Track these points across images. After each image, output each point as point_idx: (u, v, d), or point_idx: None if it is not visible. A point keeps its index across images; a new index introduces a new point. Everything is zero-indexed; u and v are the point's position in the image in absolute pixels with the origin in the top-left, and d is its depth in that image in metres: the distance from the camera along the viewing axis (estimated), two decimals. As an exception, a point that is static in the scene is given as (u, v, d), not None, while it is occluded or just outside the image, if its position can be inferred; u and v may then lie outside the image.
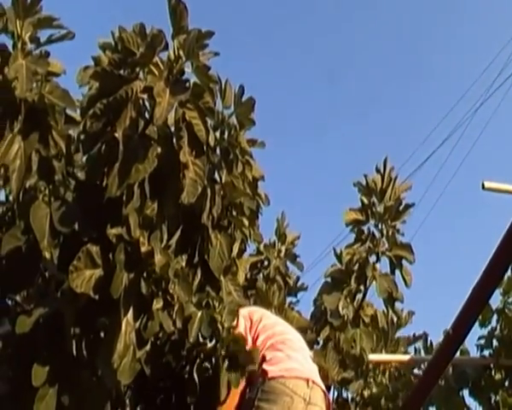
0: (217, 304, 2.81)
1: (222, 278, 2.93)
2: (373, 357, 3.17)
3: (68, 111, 2.63)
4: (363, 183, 4.26)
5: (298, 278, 4.39)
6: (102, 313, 2.47)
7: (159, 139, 2.53)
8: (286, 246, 4.30)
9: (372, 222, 4.19)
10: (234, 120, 3.03)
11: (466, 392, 3.78)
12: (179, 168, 2.53)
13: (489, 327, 3.78)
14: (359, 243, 4.10)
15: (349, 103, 16.34)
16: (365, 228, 4.20)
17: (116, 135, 2.51)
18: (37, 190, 2.60)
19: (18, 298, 3.06)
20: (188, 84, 2.51)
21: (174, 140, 2.60)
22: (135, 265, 2.43)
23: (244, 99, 2.97)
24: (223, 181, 2.98)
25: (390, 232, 4.05)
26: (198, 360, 2.77)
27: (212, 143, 2.73)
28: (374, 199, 4.18)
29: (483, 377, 3.64)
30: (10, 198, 2.80)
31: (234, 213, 3.08)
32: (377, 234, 4.17)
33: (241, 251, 3.34)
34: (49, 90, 2.52)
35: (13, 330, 2.60)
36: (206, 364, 2.78)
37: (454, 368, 3.59)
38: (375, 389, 3.54)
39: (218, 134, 2.97)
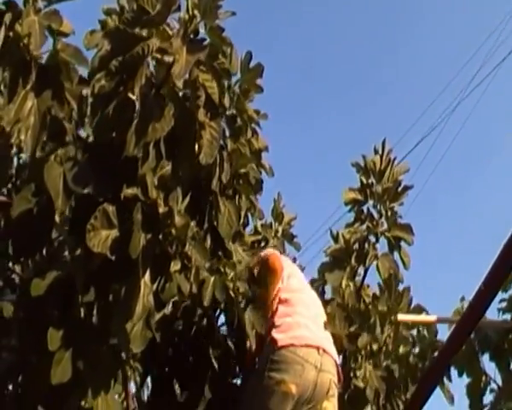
0: (229, 271, 2.77)
1: (231, 244, 2.90)
2: (401, 317, 3.14)
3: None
4: (362, 164, 4.24)
5: (295, 259, 4.35)
6: (117, 276, 2.41)
7: (174, 99, 2.48)
8: (283, 226, 4.25)
9: (371, 203, 4.16)
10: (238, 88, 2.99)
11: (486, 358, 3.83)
12: (195, 129, 2.49)
13: (510, 291, 3.77)
14: (359, 222, 4.08)
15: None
16: (364, 208, 4.16)
17: (130, 95, 2.47)
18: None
19: (18, 270, 3.02)
20: (205, 43, 2.47)
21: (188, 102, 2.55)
22: (152, 226, 2.38)
23: (252, 65, 2.94)
24: (229, 148, 2.95)
25: (389, 213, 4.03)
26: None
27: (227, 104, 2.68)
28: (372, 179, 4.16)
29: (505, 340, 3.64)
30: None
31: (240, 181, 3.06)
32: (376, 215, 4.14)
33: (244, 224, 3.33)
34: (61, 47, 2.46)
35: (22, 297, 2.55)
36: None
37: (476, 332, 3.58)
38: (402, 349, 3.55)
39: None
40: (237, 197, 3.06)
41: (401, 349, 3.66)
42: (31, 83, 2.38)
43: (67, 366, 2.37)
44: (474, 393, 4.36)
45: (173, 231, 2.41)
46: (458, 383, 4.26)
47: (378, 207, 4.11)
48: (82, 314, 2.48)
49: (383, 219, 4.10)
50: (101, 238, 2.31)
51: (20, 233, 2.45)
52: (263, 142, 3.27)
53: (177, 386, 2.93)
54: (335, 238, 4.23)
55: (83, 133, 2.72)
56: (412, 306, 3.64)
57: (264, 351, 2.81)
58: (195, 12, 2.50)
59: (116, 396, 2.60)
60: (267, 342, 2.78)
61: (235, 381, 3.06)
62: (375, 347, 3.34)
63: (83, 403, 2.62)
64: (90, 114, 2.53)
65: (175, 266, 2.42)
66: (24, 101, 2.34)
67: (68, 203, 2.38)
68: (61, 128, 2.52)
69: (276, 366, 2.68)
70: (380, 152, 4.24)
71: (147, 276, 2.36)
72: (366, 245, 3.99)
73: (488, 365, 3.93)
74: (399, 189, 4.12)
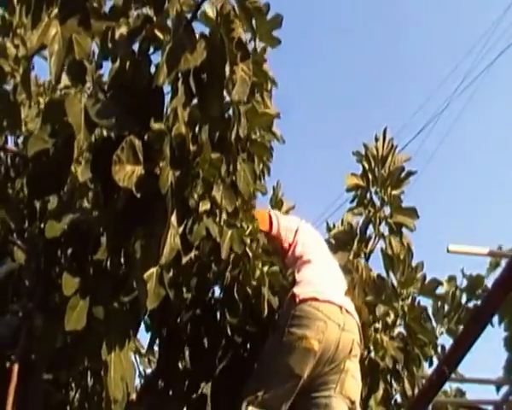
0: (245, 226, 2.66)
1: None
2: (453, 247, 3.02)
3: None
4: (363, 152, 4.19)
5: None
6: (142, 217, 2.25)
7: (204, 35, 2.37)
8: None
9: (373, 189, 4.10)
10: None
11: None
12: (226, 66, 2.37)
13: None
14: (362, 207, 4.01)
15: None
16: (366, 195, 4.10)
17: (156, 32, 2.36)
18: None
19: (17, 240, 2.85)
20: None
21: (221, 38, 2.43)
22: (181, 163, 2.23)
23: (269, 17, 2.84)
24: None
25: (392, 197, 3.97)
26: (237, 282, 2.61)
27: (258, 49, 2.58)
28: (374, 166, 4.10)
29: None
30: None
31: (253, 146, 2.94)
32: (377, 201, 4.08)
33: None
34: (86, -27, 2.32)
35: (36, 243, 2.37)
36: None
37: None
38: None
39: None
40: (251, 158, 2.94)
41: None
42: (55, 9, 2.23)
43: (82, 313, 2.19)
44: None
45: (202, 170, 2.28)
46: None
47: (381, 192, 4.04)
48: (99, 261, 2.29)
49: (385, 205, 4.03)
50: (127, 173, 2.15)
51: (36, 174, 2.28)
52: (274, 109, 3.17)
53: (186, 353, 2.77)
54: (330, 230, 4.17)
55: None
56: (427, 280, 3.55)
57: (283, 308, 2.68)
58: None
59: (131, 354, 2.39)
60: (287, 299, 2.66)
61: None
62: (389, 319, 3.24)
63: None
64: (114, 49, 2.37)
65: (204, 206, 2.27)
66: (48, 28, 2.18)
67: (90, 138, 2.22)
68: (81, 68, 2.36)
69: (297, 322, 2.54)
70: (381, 140, 4.19)
71: (173, 216, 2.20)
72: (370, 226, 3.92)
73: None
74: (402, 174, 4.07)
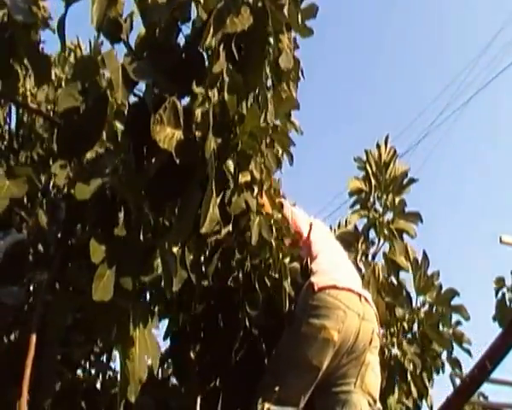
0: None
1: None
2: (506, 238, 2.96)
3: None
4: (364, 159, 4.16)
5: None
6: (176, 185, 2.11)
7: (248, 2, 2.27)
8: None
9: (375, 194, 4.06)
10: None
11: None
12: (268, 36, 2.28)
13: None
14: (366, 210, 3.95)
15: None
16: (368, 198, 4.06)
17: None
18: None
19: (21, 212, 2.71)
20: None
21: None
22: (223, 130, 2.12)
23: (304, 5, 2.77)
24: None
25: (396, 202, 3.93)
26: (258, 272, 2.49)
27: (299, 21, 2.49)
28: (377, 171, 4.06)
29: None
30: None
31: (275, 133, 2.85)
32: (379, 206, 4.04)
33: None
34: None
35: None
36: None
37: None
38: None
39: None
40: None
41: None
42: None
43: (109, 283, 2.02)
44: None
45: (241, 142, 2.17)
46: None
47: (383, 197, 3.99)
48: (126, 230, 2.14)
49: (388, 211, 3.98)
50: (168, 135, 2.03)
51: (67, 132, 2.12)
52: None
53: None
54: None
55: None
56: (444, 290, 3.50)
57: (300, 298, 2.56)
58: None
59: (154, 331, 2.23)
60: (303, 289, 2.54)
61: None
62: (405, 324, 3.16)
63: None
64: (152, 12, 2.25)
65: (244, 177, 2.15)
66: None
67: (128, 96, 2.09)
68: (116, 25, 2.24)
69: (315, 312, 2.43)
70: (383, 146, 4.17)
71: (213, 186, 2.07)
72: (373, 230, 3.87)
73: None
74: (405, 181, 4.04)
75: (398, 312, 3.13)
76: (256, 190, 2.28)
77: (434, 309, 3.33)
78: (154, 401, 2.63)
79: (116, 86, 2.06)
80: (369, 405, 2.47)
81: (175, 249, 2.16)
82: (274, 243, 2.55)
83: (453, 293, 3.56)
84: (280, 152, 2.93)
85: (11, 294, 2.36)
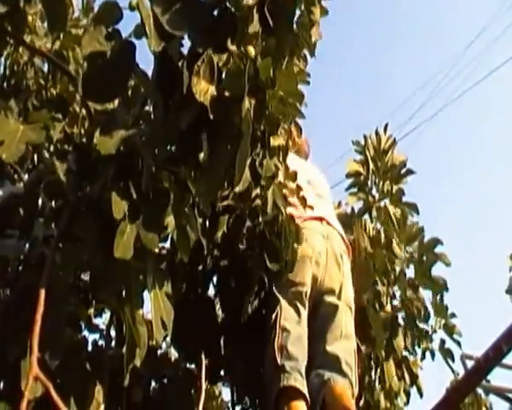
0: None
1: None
2: None
3: None
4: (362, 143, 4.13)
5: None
6: (207, 140, 2.02)
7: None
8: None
9: (373, 179, 4.03)
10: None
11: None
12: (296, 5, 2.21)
13: None
14: (363, 193, 3.92)
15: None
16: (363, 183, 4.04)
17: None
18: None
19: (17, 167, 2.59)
20: None
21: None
22: (257, 91, 2.04)
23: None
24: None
25: (394, 190, 3.91)
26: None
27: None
28: (375, 156, 4.03)
29: None
30: None
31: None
32: (376, 192, 4.01)
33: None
34: None
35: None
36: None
37: None
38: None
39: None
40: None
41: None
42: None
43: (131, 239, 1.93)
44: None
45: (271, 106, 2.09)
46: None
47: (381, 184, 3.97)
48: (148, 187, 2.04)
49: (385, 197, 3.96)
50: (203, 89, 1.94)
51: (93, 77, 2.01)
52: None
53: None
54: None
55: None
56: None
57: None
58: None
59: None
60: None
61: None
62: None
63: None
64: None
65: (275, 141, 2.08)
66: None
67: (161, 44, 1.98)
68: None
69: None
70: (382, 134, 4.14)
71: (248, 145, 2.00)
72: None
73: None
74: (403, 170, 4.02)
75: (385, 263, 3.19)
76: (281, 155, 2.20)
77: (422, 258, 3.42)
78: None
79: (149, 34, 1.95)
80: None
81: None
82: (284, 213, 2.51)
83: (436, 241, 3.63)
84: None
85: (11, 247, 2.25)
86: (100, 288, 2.14)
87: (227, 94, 2.02)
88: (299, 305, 2.56)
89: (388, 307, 3.28)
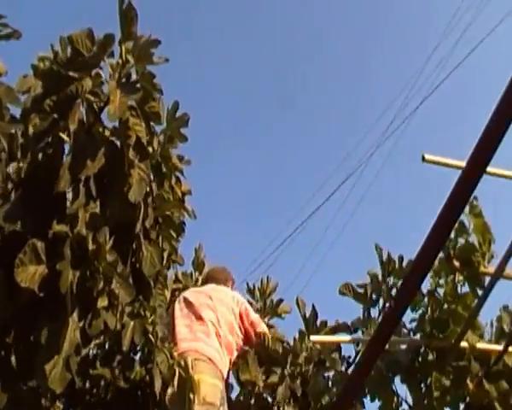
0: (148, 314, 2.82)
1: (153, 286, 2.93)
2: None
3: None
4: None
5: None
6: (44, 313, 2.39)
7: (104, 140, 2.55)
8: (203, 276, 4.32)
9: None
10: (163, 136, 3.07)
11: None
12: (124, 169, 2.55)
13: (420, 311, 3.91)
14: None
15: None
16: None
17: (61, 134, 2.52)
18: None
19: None
20: (137, 87, 2.56)
21: (119, 142, 2.62)
22: (81, 262, 2.40)
23: (178, 115, 3.03)
24: (154, 194, 2.99)
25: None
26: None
27: (156, 147, 2.77)
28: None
29: (416, 360, 3.74)
30: None
31: (163, 226, 3.10)
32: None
33: (167, 267, 3.39)
34: (-9, 85, 2.48)
35: None
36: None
37: (386, 355, 3.66)
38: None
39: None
40: (160, 239, 3.09)
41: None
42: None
43: None
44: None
45: (101, 268, 2.44)
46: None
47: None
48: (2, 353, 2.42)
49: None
50: (30, 273, 2.30)
51: None
52: (186, 186, 3.35)
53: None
54: (252, 292, 4.43)
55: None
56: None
57: None
58: (129, 57, 2.59)
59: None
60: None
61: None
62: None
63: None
64: (20, 152, 2.52)
65: (102, 302, 2.43)
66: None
67: (-3, 236, 2.36)
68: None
69: None
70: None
71: (75, 313, 2.36)
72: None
73: (400, 387, 4.05)
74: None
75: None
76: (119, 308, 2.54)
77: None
78: None
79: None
80: None
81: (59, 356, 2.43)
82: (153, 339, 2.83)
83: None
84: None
85: None
86: None
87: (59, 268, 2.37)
88: None
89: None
